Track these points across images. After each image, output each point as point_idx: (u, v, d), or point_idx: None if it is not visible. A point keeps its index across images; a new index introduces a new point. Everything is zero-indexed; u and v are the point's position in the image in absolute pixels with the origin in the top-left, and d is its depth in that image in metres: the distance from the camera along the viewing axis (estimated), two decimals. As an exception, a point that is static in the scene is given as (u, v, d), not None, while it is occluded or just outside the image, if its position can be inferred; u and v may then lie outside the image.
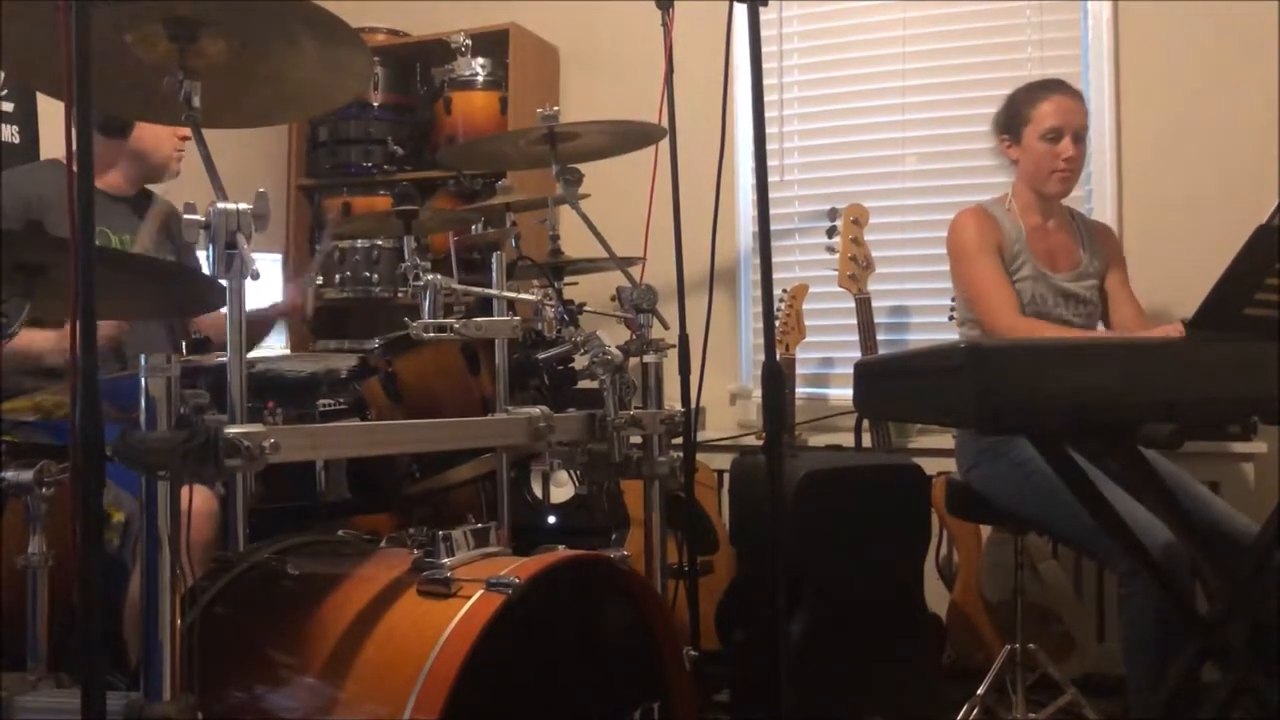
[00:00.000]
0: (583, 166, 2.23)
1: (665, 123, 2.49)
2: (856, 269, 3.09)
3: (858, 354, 3.04)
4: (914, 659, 2.58)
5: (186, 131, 2.39)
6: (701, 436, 3.24)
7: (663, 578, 2.07)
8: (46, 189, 2.28)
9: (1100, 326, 2.65)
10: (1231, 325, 1.43)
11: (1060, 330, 2.51)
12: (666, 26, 2.57)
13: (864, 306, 3.08)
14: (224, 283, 1.38)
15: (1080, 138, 2.55)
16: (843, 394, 3.46)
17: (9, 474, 1.51)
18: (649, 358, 2.06)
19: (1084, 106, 2.59)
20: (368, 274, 3.63)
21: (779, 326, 3.15)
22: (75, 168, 1.14)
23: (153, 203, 2.54)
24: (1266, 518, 1.72)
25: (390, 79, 3.90)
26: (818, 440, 3.30)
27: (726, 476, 3.11)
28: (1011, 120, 2.60)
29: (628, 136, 2.41)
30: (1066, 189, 2.60)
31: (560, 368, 2.07)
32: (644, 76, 3.39)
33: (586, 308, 2.56)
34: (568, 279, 2.84)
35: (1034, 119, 2.55)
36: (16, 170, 2.37)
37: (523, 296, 2.03)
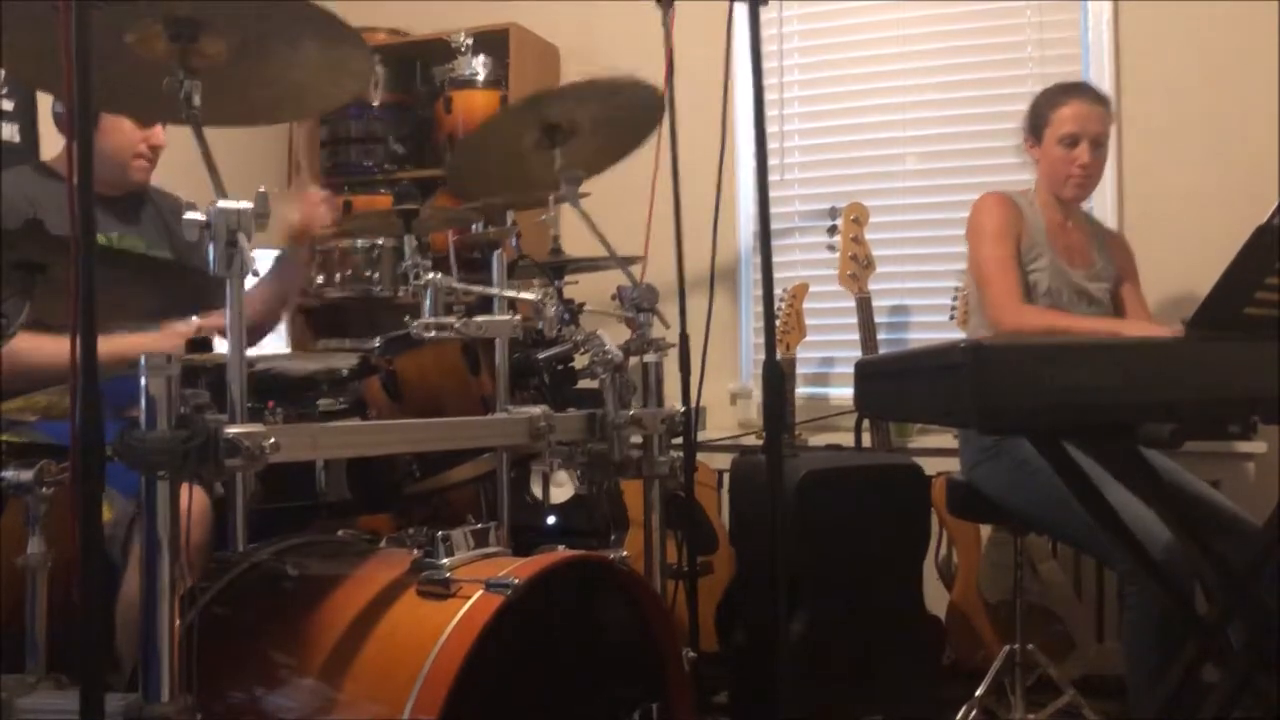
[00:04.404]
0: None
1: (665, 123, 2.49)
2: (857, 268, 3.09)
3: (858, 353, 3.04)
4: (914, 659, 2.58)
5: (159, 139, 2.36)
6: (701, 436, 3.23)
7: (662, 578, 2.07)
8: (37, 189, 2.26)
9: None
10: (1231, 325, 1.43)
11: (1067, 317, 2.49)
12: (666, 26, 2.57)
13: (864, 306, 3.08)
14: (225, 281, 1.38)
15: (1099, 144, 2.54)
16: (843, 394, 3.46)
17: (9, 474, 1.51)
18: (649, 357, 2.06)
19: (1106, 113, 2.58)
20: (368, 274, 3.63)
21: (779, 326, 3.15)
22: (75, 167, 1.14)
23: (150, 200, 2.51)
24: (1267, 518, 1.72)
25: (391, 78, 3.90)
26: (818, 440, 3.30)
27: (726, 476, 3.11)
28: (1034, 122, 2.60)
29: (626, 131, 2.39)
30: (1082, 195, 2.60)
31: (560, 367, 2.07)
32: (644, 76, 3.38)
33: (587, 307, 2.56)
34: (568, 278, 2.84)
35: (1053, 122, 2.55)
36: (5, 172, 2.35)
37: (523, 296, 2.03)
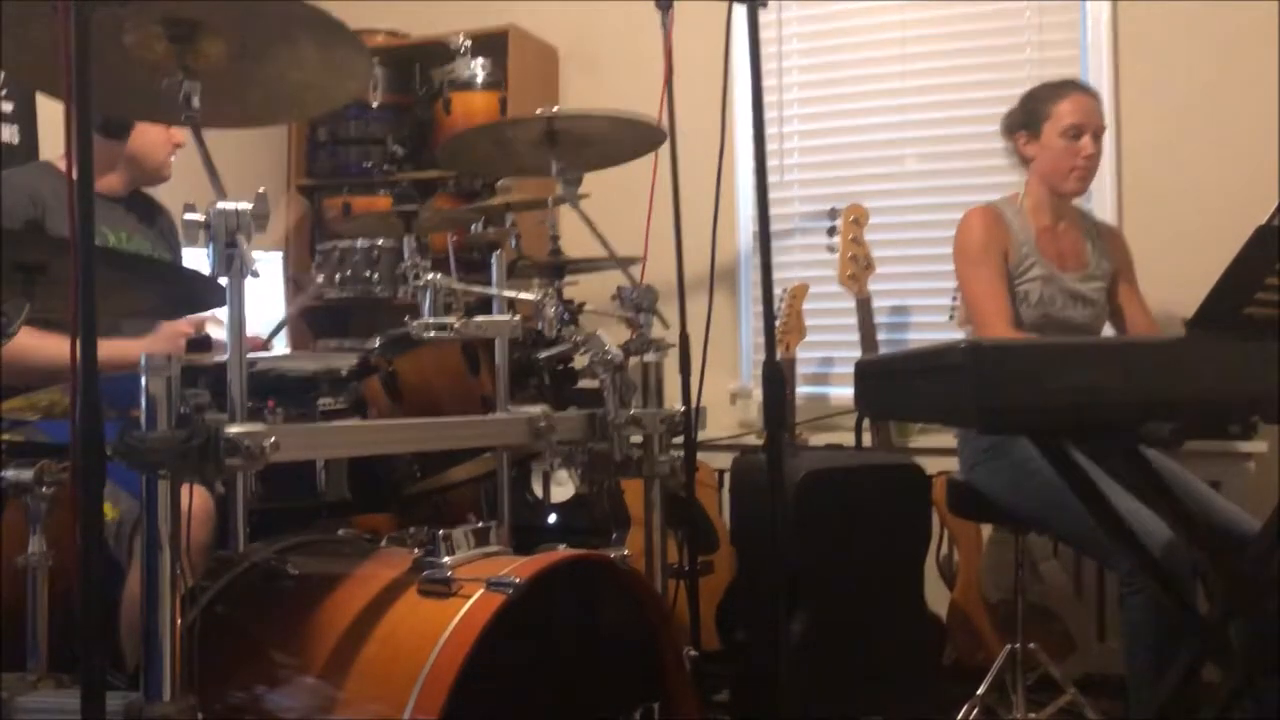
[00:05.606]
0: (582, 166, 2.23)
1: (665, 123, 2.49)
2: (856, 269, 3.09)
3: (858, 354, 3.04)
4: (914, 659, 2.58)
5: (180, 137, 2.41)
6: (702, 436, 3.20)
7: (663, 578, 2.07)
8: (44, 189, 2.28)
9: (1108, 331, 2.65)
10: (1231, 325, 1.43)
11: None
12: (666, 26, 2.57)
13: (864, 306, 3.08)
14: (224, 282, 1.38)
15: (1098, 137, 2.54)
16: (843, 394, 3.46)
17: (9, 474, 1.51)
18: (649, 357, 2.06)
19: (1101, 107, 2.59)
20: (368, 274, 3.62)
21: (779, 326, 3.15)
22: (75, 168, 1.14)
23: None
24: (1267, 517, 1.72)
25: (390, 79, 3.90)
26: (818, 440, 3.29)
27: (727, 476, 3.11)
28: (1030, 117, 2.59)
29: (626, 140, 2.40)
30: (1084, 187, 2.59)
31: (560, 367, 2.08)
32: (644, 76, 3.38)
33: (587, 307, 2.56)
34: (567, 279, 2.84)
35: (1054, 116, 2.54)
36: (14, 170, 2.38)
37: (523, 296, 2.03)
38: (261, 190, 1.39)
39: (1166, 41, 3.21)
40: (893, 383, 1.58)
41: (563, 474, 2.50)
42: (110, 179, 2.42)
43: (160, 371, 1.27)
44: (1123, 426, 1.41)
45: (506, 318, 1.86)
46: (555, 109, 2.22)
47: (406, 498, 2.10)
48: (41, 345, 1.93)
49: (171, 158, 2.46)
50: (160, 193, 2.57)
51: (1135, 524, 1.88)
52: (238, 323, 1.38)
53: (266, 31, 1.55)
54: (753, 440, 3.42)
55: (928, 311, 3.40)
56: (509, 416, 1.81)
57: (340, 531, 1.94)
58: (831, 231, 3.17)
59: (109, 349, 2.05)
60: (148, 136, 2.41)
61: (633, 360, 2.00)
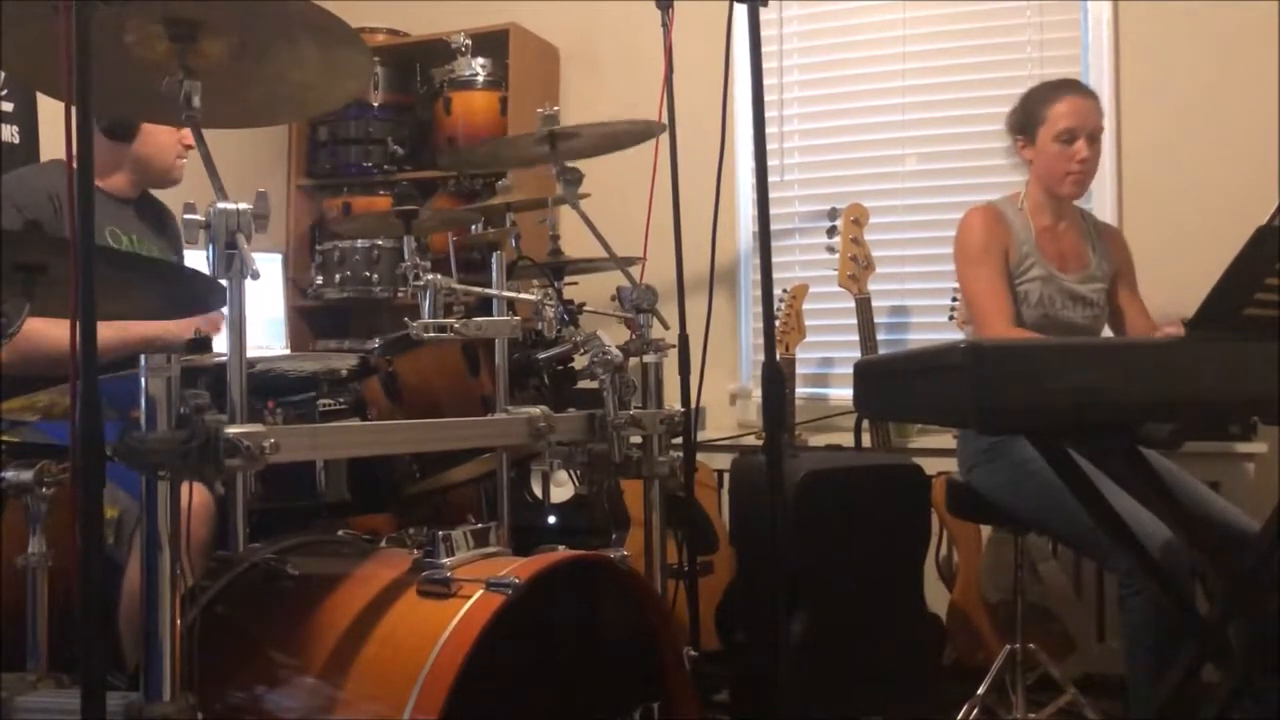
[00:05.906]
0: (583, 166, 2.23)
1: (665, 123, 2.49)
2: (856, 269, 3.10)
3: (858, 354, 3.04)
4: (914, 659, 2.58)
5: (186, 138, 2.42)
6: (701, 436, 3.23)
7: (663, 578, 2.07)
8: (61, 187, 2.28)
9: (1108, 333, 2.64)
10: (1231, 325, 1.43)
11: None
12: (666, 26, 2.57)
13: (864, 306, 3.08)
14: (224, 283, 1.38)
15: (1095, 139, 2.51)
16: (843, 394, 3.46)
17: (9, 474, 1.51)
18: (649, 358, 2.06)
19: (1099, 107, 2.55)
20: (368, 274, 3.63)
21: (779, 326, 3.15)
22: (75, 167, 1.14)
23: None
24: (1267, 518, 1.72)
25: (390, 79, 3.91)
26: (818, 440, 3.30)
27: (726, 476, 3.11)
28: (1026, 121, 2.57)
29: (626, 130, 2.41)
30: (1080, 191, 2.57)
31: (560, 368, 2.07)
32: (644, 76, 3.39)
33: (586, 308, 2.56)
34: (568, 279, 2.84)
35: (1048, 120, 2.51)
36: (31, 167, 2.38)
37: (523, 296, 2.03)
38: (262, 190, 1.39)
39: (1167, 41, 3.21)
40: (892, 383, 1.58)
41: (562, 475, 2.51)
42: (118, 180, 2.42)
43: (160, 372, 1.27)
44: (1122, 427, 1.41)
45: (506, 318, 1.86)
46: (555, 109, 2.22)
47: (406, 498, 2.10)
48: (48, 329, 1.92)
49: (181, 160, 2.45)
50: (160, 193, 2.57)
51: (1134, 524, 1.88)
52: (238, 324, 1.38)
53: (267, 31, 1.55)
54: (752, 441, 3.42)
55: (928, 311, 3.40)
56: (508, 417, 1.81)
57: (340, 532, 1.94)
58: (831, 231, 3.17)
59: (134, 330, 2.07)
60: (156, 139, 2.40)
61: (632, 361, 2.00)
